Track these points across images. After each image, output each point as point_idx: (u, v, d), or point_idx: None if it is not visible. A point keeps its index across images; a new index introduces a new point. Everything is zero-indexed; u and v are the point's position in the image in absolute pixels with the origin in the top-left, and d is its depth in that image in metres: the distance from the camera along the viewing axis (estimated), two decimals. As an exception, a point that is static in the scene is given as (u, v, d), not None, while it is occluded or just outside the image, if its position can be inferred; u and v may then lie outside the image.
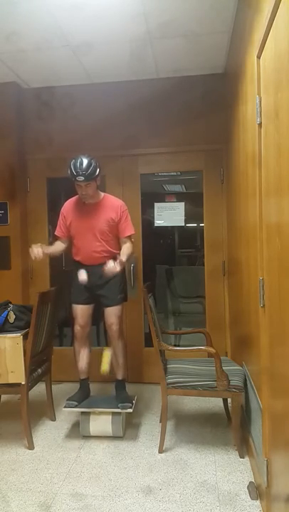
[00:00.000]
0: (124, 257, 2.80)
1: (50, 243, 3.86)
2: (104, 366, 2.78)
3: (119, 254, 2.89)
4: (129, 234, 2.93)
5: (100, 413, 2.81)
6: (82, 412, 2.84)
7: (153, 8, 2.67)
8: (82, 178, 2.71)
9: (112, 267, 2.64)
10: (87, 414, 2.83)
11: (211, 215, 3.80)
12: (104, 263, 2.73)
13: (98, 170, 2.77)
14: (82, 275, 2.79)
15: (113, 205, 2.91)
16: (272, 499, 1.81)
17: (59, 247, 2.99)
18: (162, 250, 4.44)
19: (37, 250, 2.68)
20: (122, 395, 2.93)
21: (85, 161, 2.71)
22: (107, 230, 2.87)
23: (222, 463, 2.49)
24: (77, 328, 2.96)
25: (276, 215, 1.61)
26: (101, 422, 2.81)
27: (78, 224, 2.91)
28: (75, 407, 2.85)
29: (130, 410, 2.81)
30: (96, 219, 2.87)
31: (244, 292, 2.64)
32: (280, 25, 1.46)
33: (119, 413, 2.81)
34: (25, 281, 3.92)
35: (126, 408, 2.80)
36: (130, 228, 2.95)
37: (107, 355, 2.78)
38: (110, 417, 2.80)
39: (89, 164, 2.71)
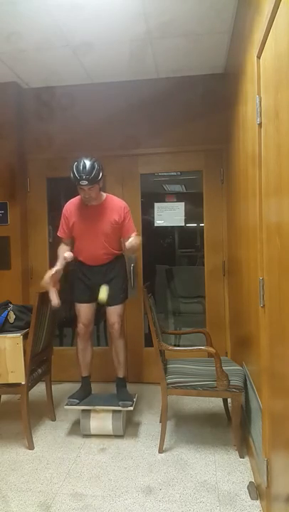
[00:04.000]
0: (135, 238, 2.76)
1: (51, 243, 3.89)
2: (102, 295, 2.75)
3: (120, 254, 2.92)
4: (132, 233, 2.92)
5: (101, 411, 2.81)
6: (83, 410, 2.84)
7: (153, 8, 2.67)
8: (85, 183, 2.65)
9: (133, 242, 2.68)
10: (88, 412, 2.83)
11: (211, 215, 3.80)
12: (106, 263, 2.87)
13: (101, 172, 2.72)
14: (54, 299, 2.65)
15: (116, 206, 2.89)
16: (273, 499, 1.81)
17: (65, 251, 2.86)
18: (162, 250, 4.44)
19: (49, 275, 2.62)
20: (122, 392, 2.93)
21: (88, 164, 2.64)
22: (111, 232, 2.86)
23: (222, 463, 2.49)
24: (80, 326, 2.97)
25: (276, 215, 1.61)
26: (101, 420, 2.81)
27: (81, 225, 2.88)
28: (77, 404, 2.85)
29: (131, 408, 2.81)
30: (99, 221, 2.85)
31: (244, 292, 2.64)
32: (280, 25, 1.46)
33: (120, 411, 2.81)
34: (25, 281, 3.92)
35: (127, 406, 2.80)
36: (132, 228, 2.93)
37: (104, 289, 2.76)
38: (111, 415, 2.80)
39: (92, 167, 2.64)
